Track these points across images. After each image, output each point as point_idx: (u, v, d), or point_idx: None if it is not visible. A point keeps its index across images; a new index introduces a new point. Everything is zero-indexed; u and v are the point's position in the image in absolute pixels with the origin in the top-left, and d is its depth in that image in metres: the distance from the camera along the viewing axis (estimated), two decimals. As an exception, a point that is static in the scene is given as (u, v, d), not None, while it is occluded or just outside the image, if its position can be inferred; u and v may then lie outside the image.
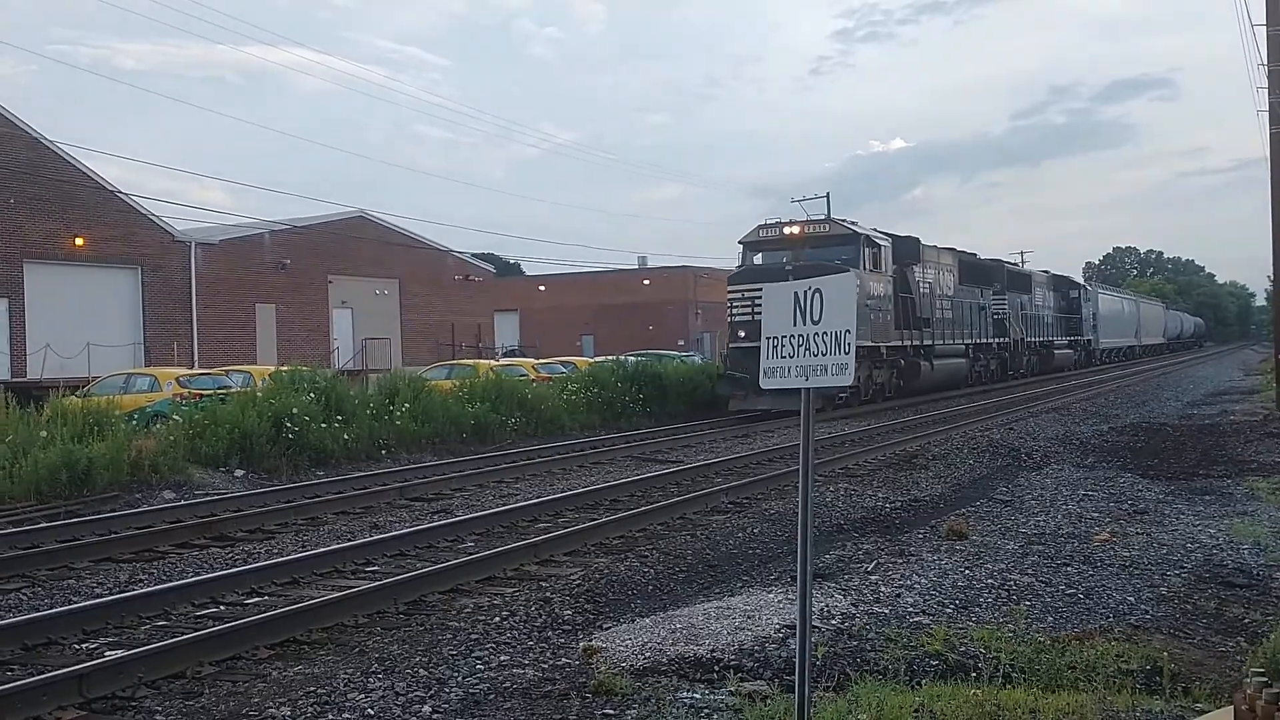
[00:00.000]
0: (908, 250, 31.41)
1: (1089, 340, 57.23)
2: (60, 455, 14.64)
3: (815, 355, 4.13)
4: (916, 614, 7.33)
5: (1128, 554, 9.28)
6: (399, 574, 9.30)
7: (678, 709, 5.61)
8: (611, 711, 5.63)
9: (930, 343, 32.47)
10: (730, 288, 28.03)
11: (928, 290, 32.95)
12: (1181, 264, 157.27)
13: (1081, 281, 58.30)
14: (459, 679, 6.33)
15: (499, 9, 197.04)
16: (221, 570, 9.72)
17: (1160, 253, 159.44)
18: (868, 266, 27.35)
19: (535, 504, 13.07)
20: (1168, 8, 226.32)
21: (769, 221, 28.57)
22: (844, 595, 7.80)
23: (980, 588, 8.12)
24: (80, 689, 6.22)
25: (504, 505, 13.22)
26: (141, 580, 9.66)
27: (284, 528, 12.28)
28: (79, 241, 36.27)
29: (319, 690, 6.19)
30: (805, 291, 4.18)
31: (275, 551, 10.82)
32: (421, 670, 6.53)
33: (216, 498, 14.54)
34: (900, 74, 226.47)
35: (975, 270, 38.49)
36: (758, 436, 21.98)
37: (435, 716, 5.68)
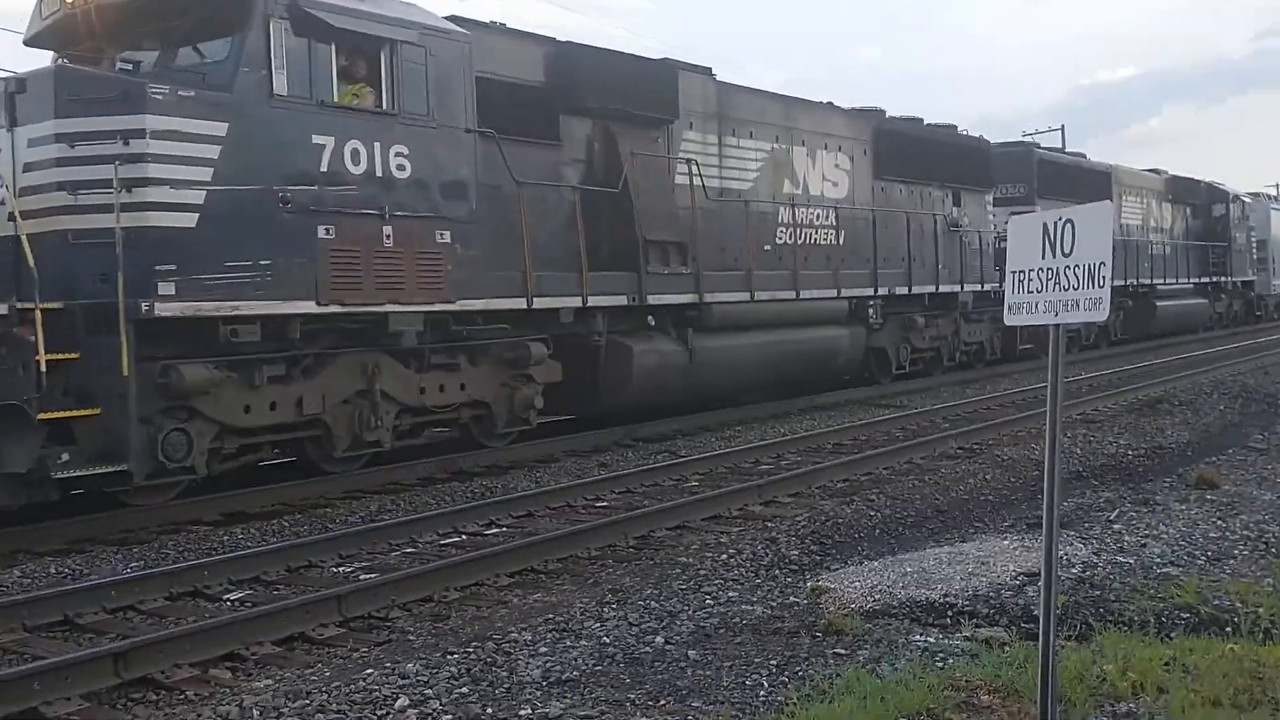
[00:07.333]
0: (636, 86, 14.00)
1: (1246, 283, 36.59)
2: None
3: (1066, 290, 3.96)
4: (1164, 565, 6.98)
5: (1405, 509, 8.55)
6: (628, 510, 9.54)
7: (911, 651, 5.55)
8: (843, 651, 5.62)
9: (697, 296, 14.60)
10: None
11: (734, 175, 15.81)
12: None
13: (1234, 191, 36.15)
14: (689, 612, 6.45)
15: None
16: (462, 504, 10.20)
17: None
18: (285, 87, 9.85)
19: (758, 446, 13.11)
20: None
21: None
22: (1084, 544, 7.50)
23: (1234, 539, 7.65)
24: (339, 608, 6.68)
25: (728, 447, 13.31)
26: (390, 511, 10.25)
27: (517, 464, 12.75)
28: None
29: (556, 618, 6.43)
30: (1055, 223, 4.01)
31: (510, 487, 11.26)
32: (653, 603, 6.68)
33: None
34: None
35: (927, 153, 19.91)
36: (988, 381, 21.30)
37: (669, 647, 5.81)
